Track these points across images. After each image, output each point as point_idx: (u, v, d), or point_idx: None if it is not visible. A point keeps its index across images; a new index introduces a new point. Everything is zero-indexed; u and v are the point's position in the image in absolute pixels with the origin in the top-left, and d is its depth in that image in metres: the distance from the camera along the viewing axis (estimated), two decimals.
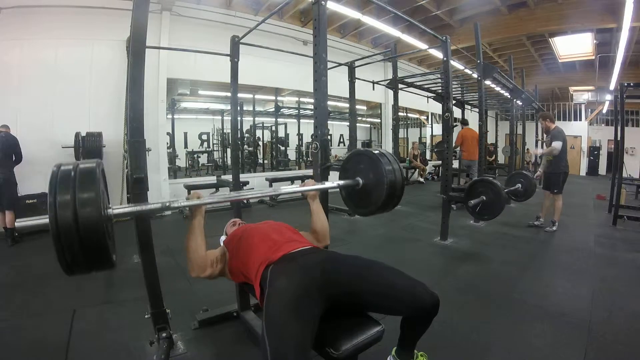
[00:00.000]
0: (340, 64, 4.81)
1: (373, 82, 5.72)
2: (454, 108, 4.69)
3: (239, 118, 5.24)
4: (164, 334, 1.69)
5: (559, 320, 2.05)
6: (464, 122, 6.42)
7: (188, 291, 2.41)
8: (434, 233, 3.89)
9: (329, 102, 7.37)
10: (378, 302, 1.23)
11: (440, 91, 6.36)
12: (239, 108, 4.98)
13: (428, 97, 7.06)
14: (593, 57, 8.54)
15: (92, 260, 0.89)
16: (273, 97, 9.11)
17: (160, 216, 4.80)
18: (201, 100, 9.98)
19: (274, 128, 9.34)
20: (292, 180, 6.48)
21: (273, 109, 9.17)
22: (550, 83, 11.29)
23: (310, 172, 6.85)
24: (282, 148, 9.50)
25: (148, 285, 1.66)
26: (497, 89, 6.31)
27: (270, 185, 6.22)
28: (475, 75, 4.96)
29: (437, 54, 7.05)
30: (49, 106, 4.50)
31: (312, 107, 2.29)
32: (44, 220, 0.84)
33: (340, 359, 1.08)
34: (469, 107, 8.41)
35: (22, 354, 1.75)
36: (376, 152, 1.51)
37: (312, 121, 1.90)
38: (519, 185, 4.27)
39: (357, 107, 6.41)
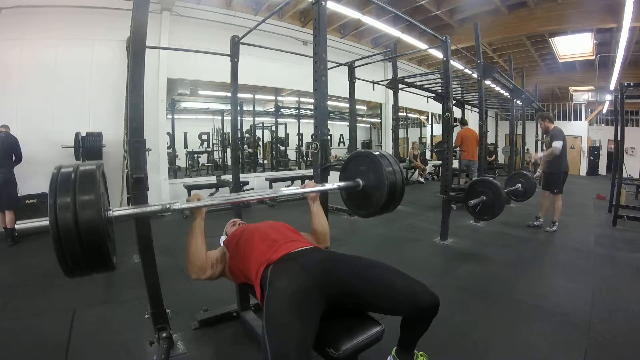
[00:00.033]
0: (340, 64, 4.81)
1: (373, 82, 5.72)
2: (454, 108, 4.68)
3: (239, 118, 5.24)
4: (164, 334, 1.69)
5: (559, 320, 2.05)
6: (463, 122, 6.42)
7: (188, 291, 2.40)
8: (434, 233, 3.89)
9: (329, 102, 7.39)
10: (378, 302, 1.23)
11: (440, 91, 6.36)
12: (239, 108, 4.98)
13: (428, 97, 7.05)
14: (593, 57, 8.54)
15: (92, 263, 0.89)
16: (273, 97, 9.11)
17: (160, 216, 4.79)
18: (201, 100, 9.98)
19: (274, 128, 9.34)
20: (292, 180, 6.47)
21: (273, 109, 9.17)
22: (550, 83, 11.29)
23: (310, 172, 6.85)
24: (282, 148, 9.50)
25: (148, 285, 1.66)
26: (497, 89, 6.31)
27: (270, 186, 6.21)
28: (475, 75, 4.96)
29: (437, 54, 7.05)
30: (49, 106, 4.50)
31: (312, 107, 2.29)
32: (44, 222, 0.84)
33: (340, 359, 1.08)
34: (469, 107, 8.41)
35: (22, 354, 1.75)
36: (376, 153, 1.51)
37: (312, 121, 1.90)
38: (519, 185, 4.27)
39: (357, 107, 6.41)
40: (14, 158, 3.74)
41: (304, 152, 10.28)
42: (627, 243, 3.71)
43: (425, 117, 13.05)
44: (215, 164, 9.46)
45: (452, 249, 3.53)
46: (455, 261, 3.21)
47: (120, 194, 4.57)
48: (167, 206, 1.16)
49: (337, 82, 4.14)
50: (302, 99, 9.49)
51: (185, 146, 9.94)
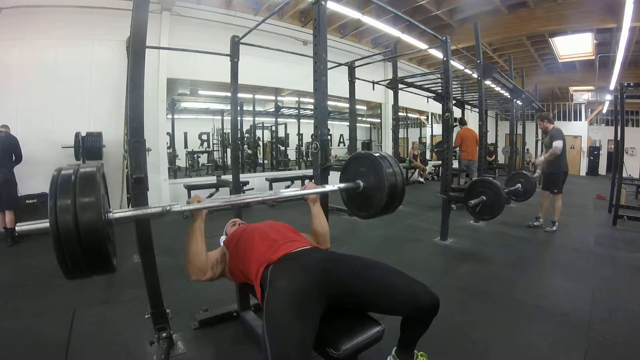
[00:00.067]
0: (340, 64, 4.81)
1: (373, 82, 5.72)
2: (454, 108, 4.68)
3: (239, 118, 5.23)
4: (164, 334, 1.69)
5: (559, 320, 2.05)
6: (462, 122, 6.43)
7: (188, 291, 2.40)
8: (434, 233, 3.89)
9: (329, 102, 7.38)
10: (378, 302, 1.23)
11: (440, 91, 6.36)
12: (239, 108, 4.97)
13: (428, 97, 7.05)
14: (593, 57, 8.54)
15: (92, 265, 0.89)
16: (273, 97, 9.10)
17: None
18: (201, 100, 9.97)
19: (274, 128, 9.34)
20: (292, 180, 6.47)
21: (273, 109, 9.17)
22: (550, 83, 11.29)
23: (310, 172, 6.85)
24: (282, 148, 9.50)
25: (148, 285, 1.66)
26: (497, 89, 6.31)
27: (271, 186, 6.21)
28: (475, 75, 4.96)
29: (437, 54, 7.05)
30: (49, 106, 4.50)
31: (312, 107, 2.29)
32: (44, 224, 0.84)
33: (340, 359, 1.08)
34: (469, 107, 8.41)
35: (22, 354, 1.75)
36: (377, 154, 1.51)
37: (312, 121, 1.90)
38: (519, 185, 4.27)
39: (357, 107, 6.41)
40: (14, 158, 3.75)
41: (304, 152, 10.27)
42: (627, 243, 3.71)
43: (425, 117, 13.05)
44: (215, 164, 9.45)
45: (452, 249, 3.53)
46: (455, 261, 3.21)
47: (120, 194, 4.57)
48: (167, 208, 1.16)
49: (337, 82, 4.14)
50: (302, 99, 9.49)
51: (185, 146, 9.93)
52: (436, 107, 7.73)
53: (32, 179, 4.12)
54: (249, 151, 8.69)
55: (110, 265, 0.93)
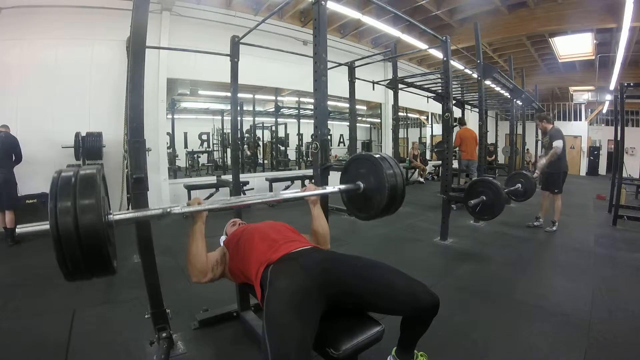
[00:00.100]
0: (340, 64, 4.81)
1: (373, 82, 5.72)
2: (454, 108, 4.69)
3: (239, 118, 5.23)
4: (164, 334, 1.69)
5: (559, 320, 2.05)
6: (462, 122, 6.43)
7: (188, 291, 2.40)
8: (434, 233, 3.89)
9: (329, 102, 7.38)
10: (378, 302, 1.23)
11: (440, 91, 6.36)
12: (239, 108, 4.98)
13: (428, 97, 7.06)
14: (593, 57, 8.54)
15: (93, 267, 0.89)
16: (273, 97, 9.10)
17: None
18: (201, 100, 9.97)
19: (274, 128, 9.34)
20: (292, 180, 6.47)
21: (273, 109, 9.17)
22: (550, 83, 11.29)
23: (310, 172, 6.85)
24: (282, 148, 9.50)
25: (148, 285, 1.66)
26: (497, 89, 6.31)
27: (271, 186, 6.21)
28: (475, 75, 4.96)
29: (437, 54, 7.05)
30: (49, 106, 4.50)
31: (312, 107, 2.29)
32: (44, 226, 0.85)
33: (340, 359, 1.08)
34: (469, 107, 8.41)
35: (22, 354, 1.75)
36: (377, 156, 1.51)
37: (312, 121, 1.90)
38: (519, 185, 4.27)
39: (357, 107, 6.41)
40: (14, 158, 3.75)
41: (304, 152, 10.27)
42: (627, 243, 3.71)
43: (425, 117, 13.05)
44: (215, 164, 9.46)
45: (452, 249, 3.53)
46: (455, 261, 3.21)
47: (120, 194, 4.57)
48: (168, 210, 1.17)
49: (337, 82, 4.15)
50: (302, 99, 9.49)
51: (185, 146, 9.93)
52: (436, 107, 7.73)
53: (32, 179, 4.13)
54: (248, 152, 8.69)
55: (111, 268, 0.94)
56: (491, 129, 9.95)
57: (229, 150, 8.21)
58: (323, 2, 1.83)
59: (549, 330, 1.94)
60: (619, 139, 4.98)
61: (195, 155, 9.67)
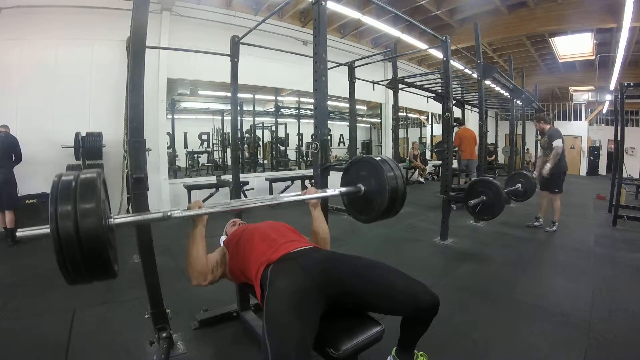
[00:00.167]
0: (340, 64, 4.81)
1: (373, 82, 5.72)
2: (454, 108, 4.69)
3: (239, 118, 5.23)
4: (164, 334, 1.69)
5: (559, 320, 2.05)
6: (461, 122, 6.43)
7: (188, 291, 2.39)
8: (434, 233, 3.89)
9: (329, 102, 7.38)
10: (378, 302, 1.23)
11: (440, 91, 6.36)
12: (239, 108, 4.97)
13: (428, 97, 7.05)
14: (593, 57, 8.53)
15: (93, 271, 0.89)
16: (273, 97, 9.10)
17: None
18: (201, 100, 9.97)
19: (274, 128, 9.34)
20: (292, 180, 6.47)
21: (273, 109, 9.17)
22: (550, 83, 11.28)
23: (310, 172, 6.85)
24: (282, 148, 9.50)
25: (148, 285, 1.66)
26: (497, 89, 6.31)
27: (271, 186, 6.21)
28: (475, 75, 4.96)
29: (437, 54, 7.05)
30: (49, 106, 4.50)
31: (312, 107, 2.29)
32: (45, 230, 0.85)
33: (340, 359, 1.08)
34: (469, 107, 8.41)
35: (22, 354, 1.75)
36: (377, 158, 1.51)
37: (312, 121, 1.90)
38: (519, 185, 4.27)
39: (357, 107, 6.41)
40: (13, 158, 3.75)
41: (304, 152, 10.27)
42: (627, 243, 3.71)
43: (425, 117, 13.05)
44: (215, 164, 9.45)
45: (452, 249, 3.53)
46: (455, 261, 3.21)
47: (120, 194, 4.57)
48: (168, 214, 1.17)
49: (337, 82, 4.15)
50: (302, 99, 9.48)
51: (185, 146, 9.93)
52: (436, 107, 7.73)
53: (32, 179, 4.13)
54: (247, 153, 8.69)
55: (112, 271, 0.94)
56: (491, 129, 9.95)
57: (229, 150, 8.21)
58: (323, 2, 1.83)
59: (549, 330, 1.94)
60: (619, 139, 4.98)
61: (195, 155, 9.66)
